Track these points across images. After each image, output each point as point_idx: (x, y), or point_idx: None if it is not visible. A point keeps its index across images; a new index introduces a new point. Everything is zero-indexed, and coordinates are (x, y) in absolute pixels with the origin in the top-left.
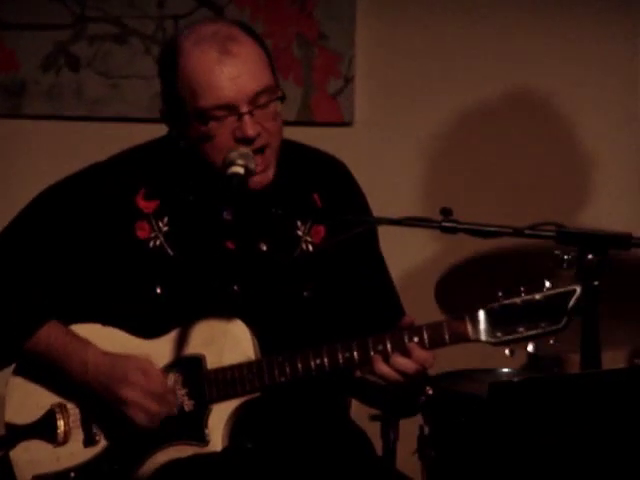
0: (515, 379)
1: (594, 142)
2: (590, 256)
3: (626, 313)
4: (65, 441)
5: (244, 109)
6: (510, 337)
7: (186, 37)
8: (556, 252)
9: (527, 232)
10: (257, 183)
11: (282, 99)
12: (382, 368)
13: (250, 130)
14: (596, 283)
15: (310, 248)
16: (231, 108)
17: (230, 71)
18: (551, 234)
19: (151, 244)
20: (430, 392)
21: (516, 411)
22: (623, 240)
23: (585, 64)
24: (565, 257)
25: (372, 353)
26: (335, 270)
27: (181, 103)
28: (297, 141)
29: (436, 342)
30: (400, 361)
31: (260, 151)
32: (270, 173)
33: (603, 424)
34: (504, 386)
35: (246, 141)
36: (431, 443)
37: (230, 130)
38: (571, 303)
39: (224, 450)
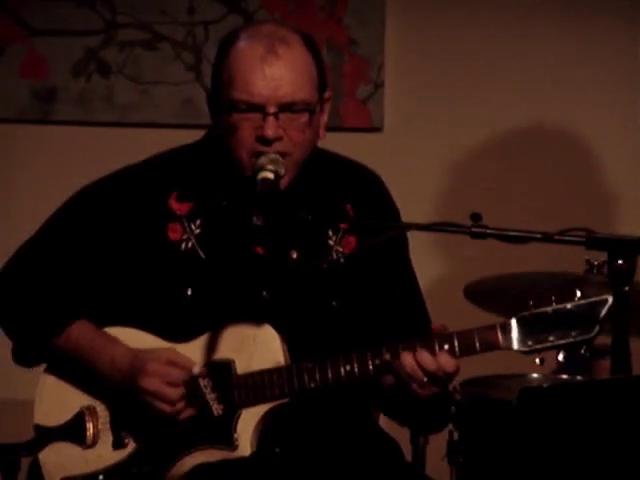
0: (545, 384)
1: (619, 147)
2: (620, 261)
3: None
4: (94, 443)
5: (270, 110)
6: (541, 346)
7: (245, 29)
8: (586, 257)
9: (556, 237)
10: (259, 189)
11: (312, 112)
12: (407, 359)
13: (269, 131)
14: (626, 288)
15: (341, 258)
16: (259, 106)
17: (269, 71)
18: (581, 239)
19: (183, 246)
20: (454, 411)
21: (546, 417)
22: None
23: (617, 78)
24: (595, 263)
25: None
26: (364, 280)
27: (220, 89)
28: (331, 151)
29: (467, 350)
30: (426, 357)
31: (280, 156)
32: (284, 180)
33: (634, 430)
34: (534, 391)
35: (264, 141)
36: (460, 449)
37: (253, 127)
38: (602, 312)
39: (252, 455)
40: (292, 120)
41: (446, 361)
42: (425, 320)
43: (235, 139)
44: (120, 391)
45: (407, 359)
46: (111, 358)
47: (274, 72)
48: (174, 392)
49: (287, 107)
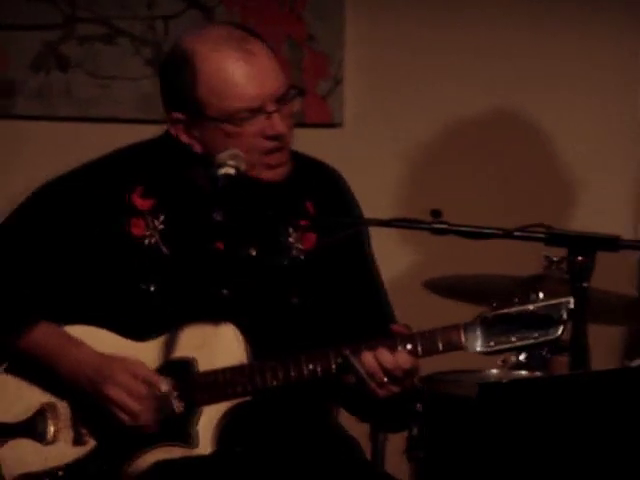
0: (504, 380)
1: (581, 144)
2: (579, 258)
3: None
4: (54, 440)
5: (271, 107)
6: (503, 347)
7: (198, 42)
8: (545, 254)
9: (516, 234)
10: (271, 177)
11: (302, 94)
12: (368, 357)
13: (281, 127)
14: (585, 284)
15: (301, 255)
16: (259, 107)
17: (254, 70)
18: (540, 236)
19: (146, 242)
20: (420, 409)
21: (505, 412)
22: (611, 242)
23: (575, 67)
24: (554, 259)
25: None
26: (324, 277)
27: (201, 107)
28: (291, 148)
29: (429, 350)
30: (385, 355)
31: (286, 147)
32: (285, 169)
33: (593, 425)
34: (493, 387)
35: (277, 138)
36: (420, 444)
37: (259, 129)
38: (565, 314)
39: (213, 453)
40: (289, 110)
41: (404, 360)
42: (387, 316)
43: (241, 145)
44: (82, 391)
45: (367, 358)
46: (77, 360)
47: (257, 70)
48: (137, 406)
49: (282, 98)
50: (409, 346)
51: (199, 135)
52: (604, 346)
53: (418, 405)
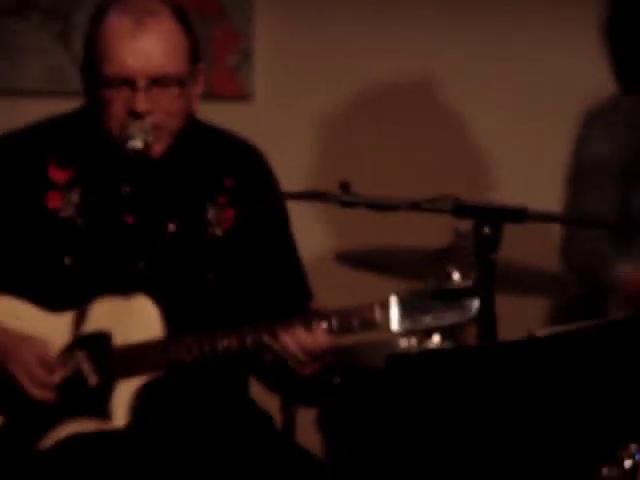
0: (412, 351)
1: (488, 116)
2: (486, 229)
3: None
4: None
5: (140, 84)
6: (418, 327)
7: (115, 3)
8: (456, 226)
9: (424, 206)
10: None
11: (183, 84)
12: (285, 339)
13: (140, 105)
14: (492, 256)
15: (218, 231)
16: (129, 80)
17: (137, 45)
18: (447, 208)
19: (62, 214)
20: (338, 381)
21: (414, 383)
22: (518, 213)
23: (470, 45)
24: (462, 231)
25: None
26: (241, 253)
27: (91, 64)
28: (212, 124)
29: (345, 328)
30: (302, 335)
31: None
32: (156, 148)
33: (500, 396)
34: (401, 358)
35: (135, 115)
36: (330, 415)
37: (124, 101)
38: (477, 294)
39: (127, 426)
40: (163, 93)
41: (323, 339)
42: (305, 292)
43: (107, 113)
44: None
45: (285, 339)
46: None
47: (143, 45)
48: (40, 392)
49: (157, 80)
50: (324, 324)
51: (88, 94)
52: (533, 318)
53: (337, 378)
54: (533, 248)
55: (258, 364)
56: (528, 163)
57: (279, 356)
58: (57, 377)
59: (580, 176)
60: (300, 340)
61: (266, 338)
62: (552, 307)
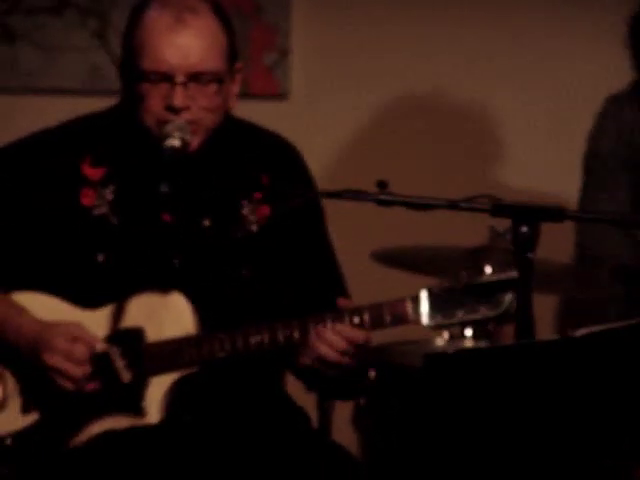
0: (450, 350)
1: (528, 117)
2: (524, 228)
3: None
4: (2, 408)
5: (179, 79)
6: (450, 321)
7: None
8: (490, 225)
9: (462, 205)
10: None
11: (221, 82)
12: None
13: (178, 100)
14: (530, 255)
15: (254, 228)
16: (167, 75)
17: (177, 40)
18: (485, 206)
19: (95, 212)
20: (373, 375)
21: (451, 382)
22: (556, 213)
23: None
24: (499, 230)
25: (312, 332)
26: (277, 250)
27: (130, 59)
28: (248, 121)
29: (377, 323)
30: (335, 333)
31: (189, 124)
32: (192, 143)
33: (537, 395)
34: (439, 357)
35: (172, 110)
36: (367, 413)
37: (162, 96)
38: (510, 289)
39: (161, 423)
40: (200, 89)
41: (355, 334)
42: (340, 290)
43: (144, 108)
44: (25, 360)
45: (318, 337)
46: (17, 328)
47: (182, 41)
48: (77, 370)
49: (195, 77)
50: (356, 319)
51: (126, 87)
52: (546, 315)
53: (372, 373)
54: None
55: (290, 359)
56: (561, 161)
57: (310, 353)
58: (100, 346)
59: (592, 168)
60: (331, 339)
61: (297, 334)
62: (565, 302)
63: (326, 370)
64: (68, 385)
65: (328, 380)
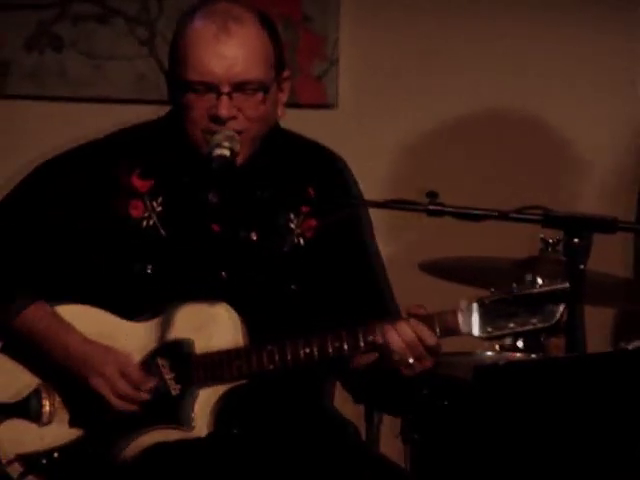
0: (500, 362)
1: (578, 127)
2: (575, 240)
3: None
4: (50, 421)
5: (224, 89)
6: (501, 332)
7: (201, 8)
8: (541, 236)
9: (512, 215)
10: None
11: (267, 90)
12: (393, 336)
13: (223, 110)
14: (582, 267)
15: (302, 241)
16: (212, 86)
17: (221, 50)
18: (537, 217)
19: (144, 223)
20: (425, 392)
21: (501, 395)
22: (609, 224)
23: (571, 55)
24: (550, 241)
25: (362, 344)
26: (324, 263)
27: (175, 69)
28: (295, 132)
29: None
30: (407, 331)
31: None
32: (240, 155)
33: (589, 408)
34: (489, 370)
35: (218, 120)
36: (415, 426)
37: (207, 106)
38: (561, 300)
39: (209, 435)
40: (246, 99)
41: (428, 333)
42: (388, 302)
43: (189, 118)
44: (70, 376)
45: (393, 336)
46: (65, 345)
47: (227, 51)
48: (119, 403)
49: (240, 86)
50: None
51: (171, 97)
52: (597, 328)
53: (425, 390)
54: (605, 255)
55: (346, 371)
56: (613, 170)
57: (384, 356)
58: (144, 394)
59: None
60: (407, 336)
61: (372, 338)
62: (620, 315)
63: (388, 367)
64: (116, 405)
65: (380, 389)
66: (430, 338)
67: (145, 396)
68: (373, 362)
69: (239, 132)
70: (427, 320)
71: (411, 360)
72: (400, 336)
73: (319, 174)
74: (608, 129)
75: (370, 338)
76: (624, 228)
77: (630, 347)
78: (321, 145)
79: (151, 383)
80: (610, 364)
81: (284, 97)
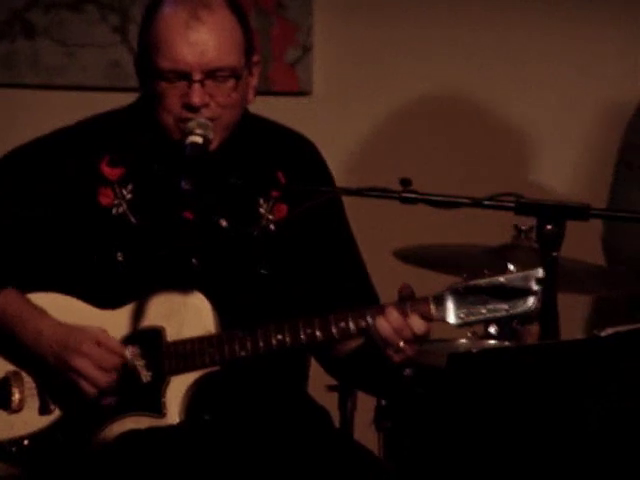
0: (474, 350)
1: (541, 115)
2: (549, 227)
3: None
4: (19, 409)
5: (196, 77)
6: (473, 318)
7: None
8: (514, 223)
9: (486, 203)
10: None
11: (238, 77)
12: (382, 323)
13: (196, 99)
14: (555, 254)
15: (271, 226)
16: (184, 73)
17: (192, 38)
18: (510, 204)
19: (114, 211)
20: (408, 373)
21: (474, 382)
22: (581, 211)
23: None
24: (523, 228)
25: (334, 330)
26: (296, 248)
27: (146, 57)
28: (265, 117)
29: None
30: (397, 318)
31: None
32: (212, 142)
33: (562, 395)
34: (463, 357)
35: (190, 108)
36: (388, 414)
37: (179, 94)
38: (534, 286)
39: (181, 422)
40: (218, 86)
41: (419, 323)
42: (366, 287)
43: (162, 106)
44: (45, 362)
45: (381, 323)
46: (37, 330)
47: (198, 38)
48: (105, 378)
49: (212, 73)
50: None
51: (143, 86)
52: (571, 315)
53: (407, 370)
54: (574, 241)
55: (329, 357)
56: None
57: (372, 342)
58: (126, 359)
59: (625, 164)
60: (396, 323)
61: (363, 322)
62: (597, 304)
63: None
64: (90, 391)
65: (366, 373)
66: (420, 325)
67: (128, 360)
68: (357, 348)
69: (212, 119)
70: (399, 307)
71: (401, 344)
72: (389, 322)
73: (289, 158)
74: (577, 113)
75: (342, 325)
76: (597, 215)
77: (603, 334)
78: (291, 130)
79: (128, 350)
80: (583, 351)
81: (254, 81)
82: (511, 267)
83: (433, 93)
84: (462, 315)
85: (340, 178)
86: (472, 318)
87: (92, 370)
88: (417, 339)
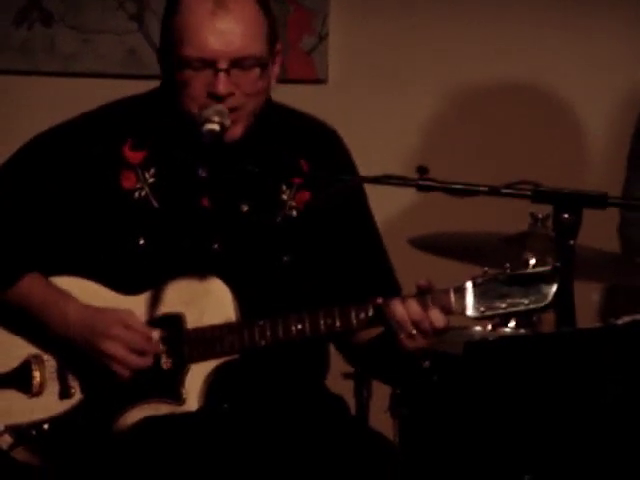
0: (490, 338)
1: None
2: (565, 215)
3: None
4: (40, 392)
5: (222, 66)
6: (493, 312)
7: None
8: (530, 211)
9: (503, 191)
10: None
11: (264, 66)
12: (398, 308)
13: (221, 87)
14: (571, 242)
15: (294, 213)
16: (210, 62)
17: (219, 26)
18: (527, 193)
19: (136, 195)
20: (427, 364)
21: (490, 370)
22: (599, 199)
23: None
24: (540, 216)
25: (354, 321)
26: (318, 235)
27: (170, 45)
28: (287, 105)
29: None
30: (416, 309)
31: (232, 110)
32: (237, 130)
33: (579, 383)
34: (479, 345)
35: (216, 97)
36: (404, 401)
37: (205, 83)
38: (553, 281)
39: (199, 410)
40: (244, 75)
41: (438, 317)
42: (387, 275)
43: (187, 95)
44: (70, 345)
45: (398, 308)
46: (63, 313)
47: (224, 26)
48: (139, 361)
49: (238, 62)
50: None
51: (168, 75)
52: (587, 303)
53: (426, 362)
54: (591, 229)
55: (349, 345)
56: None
57: (388, 327)
58: (156, 344)
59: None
60: (416, 315)
61: (364, 315)
62: (608, 291)
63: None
64: (124, 373)
65: (384, 362)
66: (440, 318)
67: (157, 347)
68: (376, 337)
69: (236, 108)
70: (420, 299)
71: (414, 331)
72: (408, 313)
73: (311, 146)
74: (593, 103)
75: (362, 316)
76: (614, 203)
77: (620, 322)
78: (315, 118)
79: (157, 332)
80: (600, 340)
81: (277, 70)
82: (532, 261)
83: (449, 82)
84: (482, 309)
85: (357, 166)
86: (491, 312)
87: (124, 352)
88: (436, 332)
